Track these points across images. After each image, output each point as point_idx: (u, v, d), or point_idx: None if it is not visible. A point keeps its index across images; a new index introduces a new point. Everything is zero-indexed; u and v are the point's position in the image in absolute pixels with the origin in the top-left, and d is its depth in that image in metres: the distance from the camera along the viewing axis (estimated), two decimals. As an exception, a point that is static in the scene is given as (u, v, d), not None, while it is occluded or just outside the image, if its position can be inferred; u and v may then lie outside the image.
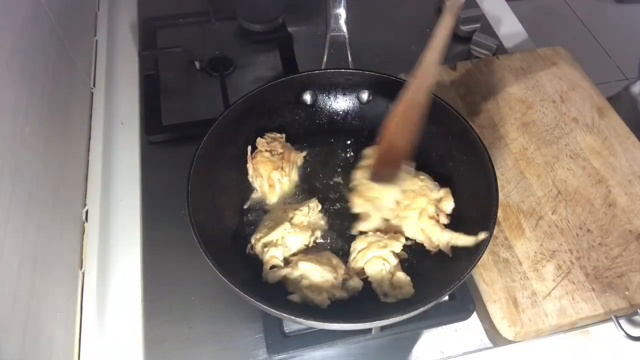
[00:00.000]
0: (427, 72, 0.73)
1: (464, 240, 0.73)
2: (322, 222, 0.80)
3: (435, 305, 0.66)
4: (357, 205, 0.79)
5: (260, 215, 0.81)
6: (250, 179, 0.83)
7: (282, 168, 0.81)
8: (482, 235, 0.70)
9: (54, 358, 0.69)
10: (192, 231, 0.66)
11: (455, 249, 0.74)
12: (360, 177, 0.81)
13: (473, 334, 0.77)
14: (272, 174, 0.80)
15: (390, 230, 0.78)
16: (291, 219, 0.75)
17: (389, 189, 0.79)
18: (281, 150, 0.82)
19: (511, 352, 0.76)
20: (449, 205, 0.78)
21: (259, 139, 0.83)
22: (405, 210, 0.78)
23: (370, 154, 0.82)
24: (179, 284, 0.81)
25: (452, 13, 0.72)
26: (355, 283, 0.73)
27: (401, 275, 0.73)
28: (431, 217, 0.77)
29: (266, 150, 0.82)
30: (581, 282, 0.77)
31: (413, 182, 0.79)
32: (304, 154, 0.86)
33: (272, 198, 0.82)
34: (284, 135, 0.86)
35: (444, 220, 0.77)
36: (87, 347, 0.76)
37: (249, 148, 0.83)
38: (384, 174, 0.77)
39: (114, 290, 0.81)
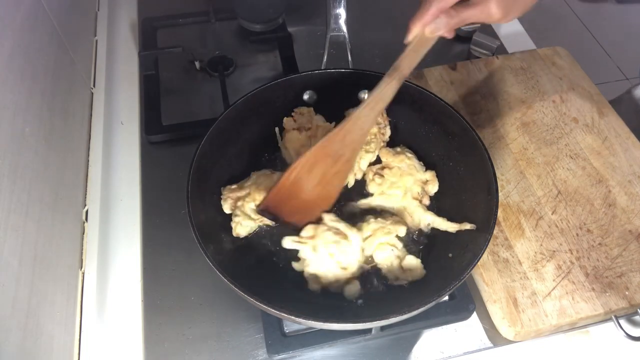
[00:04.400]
0: (355, 127, 0.69)
1: (446, 225, 0.76)
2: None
3: (435, 305, 0.65)
4: None
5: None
6: (284, 158, 0.84)
7: (310, 145, 0.81)
8: (467, 226, 0.73)
9: (54, 358, 0.69)
10: (192, 231, 0.66)
11: (455, 249, 0.74)
12: None
13: (473, 334, 0.77)
14: (300, 151, 0.81)
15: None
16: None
17: (366, 154, 0.83)
18: (309, 127, 0.83)
19: (511, 352, 0.76)
20: (434, 188, 0.81)
21: (285, 119, 0.84)
22: (390, 187, 0.80)
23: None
24: (179, 284, 0.81)
25: (396, 81, 0.67)
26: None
27: (411, 259, 0.74)
28: (415, 198, 0.79)
29: (293, 129, 0.83)
30: (581, 282, 0.77)
31: (400, 159, 0.81)
32: (332, 125, 0.85)
33: None
34: (311, 110, 0.86)
35: (427, 201, 0.80)
36: (87, 347, 0.76)
37: (277, 130, 0.84)
38: (279, 210, 0.72)
39: (114, 290, 0.81)
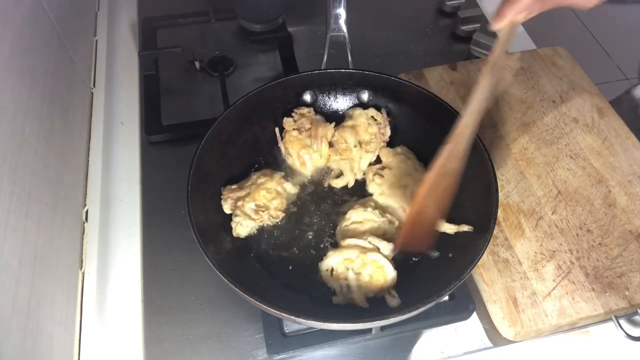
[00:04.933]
0: (462, 138, 0.67)
1: (444, 226, 0.75)
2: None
3: (435, 305, 0.66)
4: (333, 161, 0.84)
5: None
6: (284, 158, 0.85)
7: (309, 146, 0.83)
8: (465, 228, 0.73)
9: (54, 358, 0.69)
10: (192, 231, 0.66)
11: (455, 249, 0.74)
12: (341, 137, 0.84)
13: (473, 334, 0.77)
14: (300, 152, 0.83)
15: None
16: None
17: (366, 154, 0.83)
18: (309, 127, 0.83)
19: (511, 352, 0.76)
20: None
21: (285, 119, 0.84)
22: (390, 188, 0.80)
23: (353, 114, 0.85)
24: (179, 284, 0.81)
25: (492, 74, 0.64)
26: None
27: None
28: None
29: (294, 129, 0.83)
30: (581, 282, 0.77)
31: (400, 160, 0.82)
32: (332, 125, 0.86)
33: (306, 173, 0.84)
34: (311, 110, 0.86)
35: None
36: (87, 347, 0.76)
37: (277, 130, 0.85)
38: (412, 244, 0.73)
39: (114, 290, 0.81)
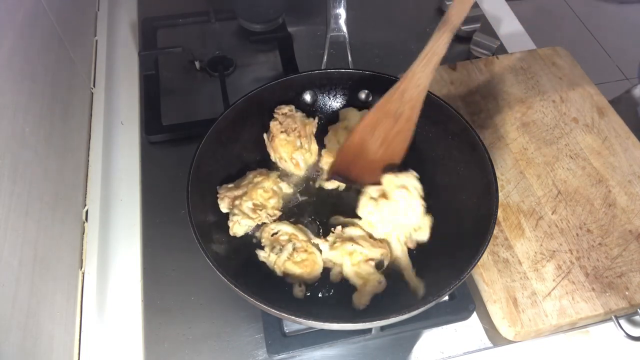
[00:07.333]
0: (410, 84, 0.70)
1: (412, 280, 0.73)
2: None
3: (435, 305, 0.65)
4: (325, 163, 0.84)
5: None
6: (274, 160, 0.85)
7: (301, 146, 0.83)
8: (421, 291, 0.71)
9: (54, 358, 0.69)
10: (192, 231, 0.66)
11: (455, 248, 0.74)
12: (334, 137, 0.84)
13: (473, 334, 0.77)
14: (294, 154, 0.82)
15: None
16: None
17: None
18: (295, 126, 0.83)
19: (511, 352, 0.76)
20: (423, 236, 0.77)
21: (272, 123, 0.84)
22: (380, 221, 0.77)
23: (347, 116, 0.85)
24: (179, 284, 0.81)
25: (449, 30, 0.66)
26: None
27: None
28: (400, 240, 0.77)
29: (281, 132, 0.83)
30: (581, 282, 0.77)
31: (401, 195, 0.76)
32: (316, 120, 0.85)
33: (300, 173, 0.84)
34: (292, 107, 0.85)
35: (410, 245, 0.77)
36: (87, 347, 0.76)
37: (265, 135, 0.84)
38: (353, 172, 0.76)
39: (114, 290, 0.81)
